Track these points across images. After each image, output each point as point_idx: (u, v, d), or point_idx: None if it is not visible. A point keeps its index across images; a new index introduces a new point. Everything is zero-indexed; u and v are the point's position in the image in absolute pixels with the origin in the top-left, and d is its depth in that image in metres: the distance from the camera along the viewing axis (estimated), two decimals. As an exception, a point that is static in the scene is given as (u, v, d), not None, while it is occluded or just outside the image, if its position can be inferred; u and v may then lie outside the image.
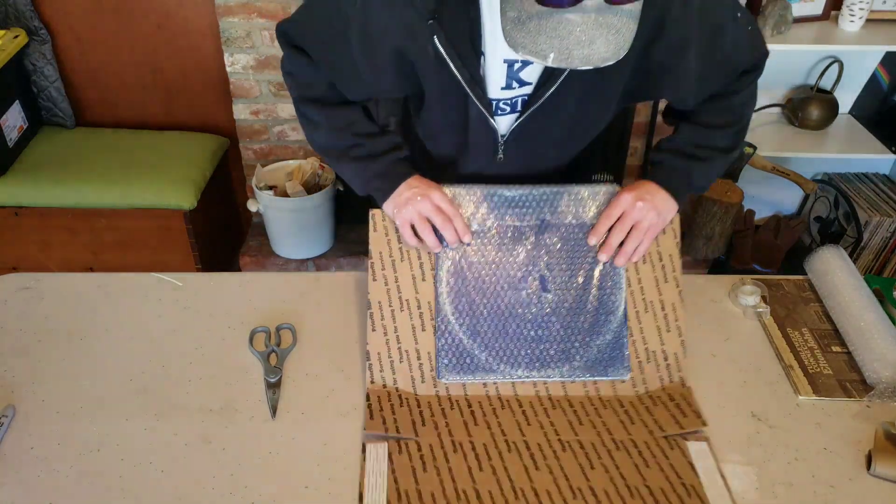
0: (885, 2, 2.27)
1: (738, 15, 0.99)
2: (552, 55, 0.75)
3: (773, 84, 2.49)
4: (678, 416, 0.99)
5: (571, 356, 1.06)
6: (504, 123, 1.04)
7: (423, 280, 1.06)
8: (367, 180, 1.06)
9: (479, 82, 0.96)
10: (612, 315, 1.07)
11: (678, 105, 1.08)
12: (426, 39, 0.91)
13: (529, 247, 1.07)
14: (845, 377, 1.08)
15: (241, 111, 2.30)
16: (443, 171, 1.14)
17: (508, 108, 1.01)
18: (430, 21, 0.88)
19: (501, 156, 1.07)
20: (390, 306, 1.05)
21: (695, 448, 0.96)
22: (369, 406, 1.00)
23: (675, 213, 1.05)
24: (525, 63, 0.95)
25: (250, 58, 2.19)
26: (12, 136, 2.22)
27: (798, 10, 2.25)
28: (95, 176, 2.17)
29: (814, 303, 1.23)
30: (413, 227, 1.03)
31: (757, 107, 2.47)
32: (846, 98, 2.51)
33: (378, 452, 0.95)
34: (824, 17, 2.31)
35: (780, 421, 1.01)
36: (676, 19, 0.91)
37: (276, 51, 2.17)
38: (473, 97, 0.97)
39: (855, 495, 0.91)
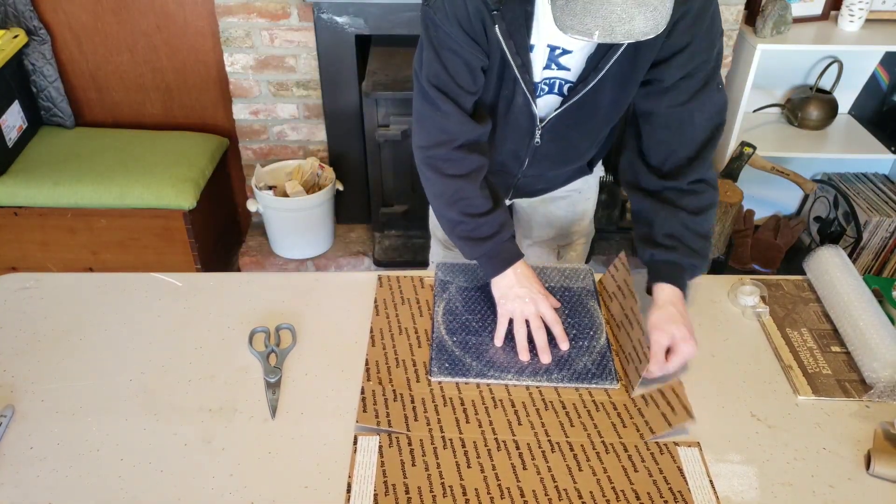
0: (884, 2, 2.27)
1: (720, 80, 1.10)
2: (597, 32, 0.84)
3: (772, 84, 2.49)
4: (667, 413, 0.99)
5: (560, 368, 1.08)
6: (543, 109, 1.14)
7: (420, 347, 1.12)
8: (474, 257, 1.17)
9: (528, 69, 1.07)
10: (595, 341, 1.13)
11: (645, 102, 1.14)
12: (491, 27, 1.03)
13: None
14: (844, 377, 1.08)
15: (240, 111, 2.31)
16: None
17: (547, 89, 1.12)
18: (494, 12, 1.01)
19: (538, 140, 1.18)
20: (386, 363, 1.09)
21: (685, 453, 0.96)
22: (363, 399, 1.01)
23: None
24: (565, 51, 1.06)
25: (250, 58, 2.19)
26: (12, 136, 2.22)
27: (798, 10, 2.25)
28: (95, 176, 2.17)
29: (813, 303, 1.23)
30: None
31: (756, 107, 2.47)
32: (846, 98, 2.51)
33: (369, 445, 0.96)
34: (824, 17, 2.31)
35: (779, 421, 1.01)
36: (693, 52, 1.04)
37: (276, 50, 2.18)
38: (522, 82, 1.08)
39: (854, 495, 0.92)
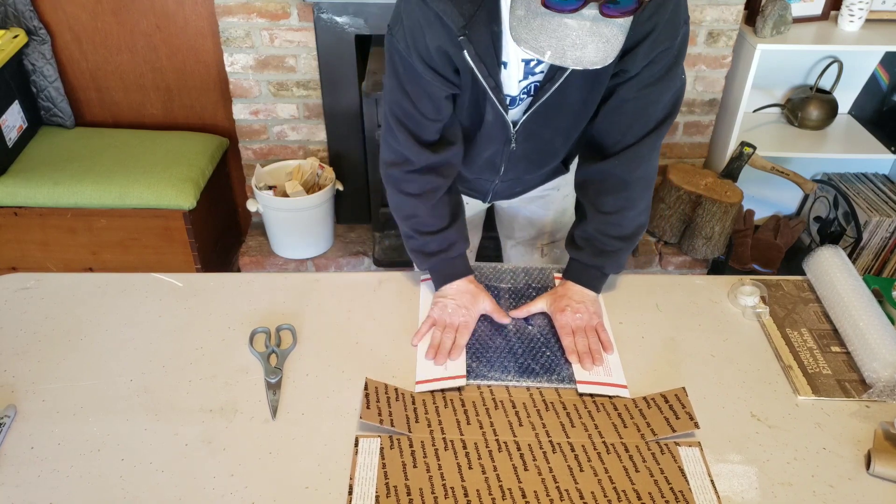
0: (884, 2, 2.27)
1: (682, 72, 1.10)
2: (549, 53, 0.84)
3: (772, 84, 2.49)
4: (671, 419, 0.99)
5: (558, 370, 1.08)
6: (516, 114, 1.14)
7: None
8: (423, 268, 1.22)
9: (500, 87, 1.07)
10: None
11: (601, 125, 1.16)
12: (458, 52, 1.02)
13: (512, 299, 1.22)
14: (844, 377, 1.08)
15: (240, 111, 2.30)
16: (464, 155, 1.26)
17: (526, 96, 1.12)
18: (461, 38, 1.00)
19: (514, 145, 1.18)
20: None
21: (686, 453, 0.96)
22: (367, 395, 1.01)
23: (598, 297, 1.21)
24: (539, 61, 1.06)
25: (250, 58, 2.19)
26: (12, 136, 2.22)
27: (798, 10, 2.25)
28: (95, 176, 2.17)
29: (813, 303, 1.23)
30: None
31: (757, 107, 2.47)
32: (845, 98, 2.51)
33: (370, 447, 0.96)
34: (824, 17, 2.31)
35: (779, 421, 1.01)
36: (655, 40, 1.02)
37: (275, 50, 2.18)
38: (496, 100, 1.08)
39: (854, 495, 0.92)
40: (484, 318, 1.17)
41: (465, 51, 1.01)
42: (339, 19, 2.10)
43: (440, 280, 1.20)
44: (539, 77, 1.08)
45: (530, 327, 1.16)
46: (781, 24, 2.18)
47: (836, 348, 1.14)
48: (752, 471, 0.94)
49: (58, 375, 1.05)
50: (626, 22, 0.84)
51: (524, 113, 1.12)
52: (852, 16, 2.23)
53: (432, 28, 1.00)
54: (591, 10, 0.81)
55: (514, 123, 1.15)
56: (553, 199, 1.45)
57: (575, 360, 1.10)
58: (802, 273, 1.29)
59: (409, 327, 1.16)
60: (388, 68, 1.10)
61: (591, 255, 1.18)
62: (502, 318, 1.17)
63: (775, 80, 2.48)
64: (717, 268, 2.41)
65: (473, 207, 1.47)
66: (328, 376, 1.07)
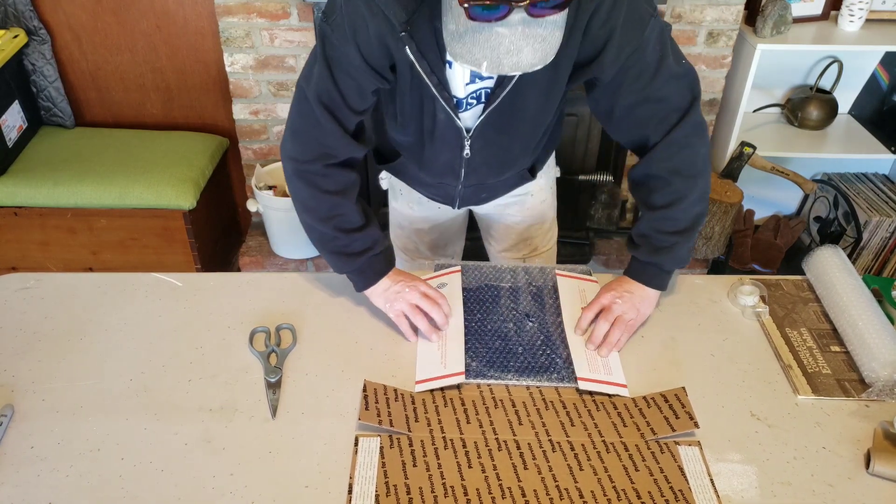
0: (884, 2, 2.28)
1: (677, 58, 1.07)
2: (485, 63, 0.84)
3: (772, 84, 2.49)
4: (671, 418, 0.99)
5: (558, 368, 1.08)
6: (469, 120, 1.13)
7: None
8: (345, 272, 1.17)
9: (445, 86, 1.05)
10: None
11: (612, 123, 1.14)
12: (400, 47, 1.00)
13: (511, 297, 1.21)
14: (844, 377, 1.08)
15: (240, 111, 2.31)
16: (418, 164, 1.25)
17: (475, 102, 1.10)
18: (403, 33, 0.97)
19: (468, 151, 1.17)
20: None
21: (685, 452, 0.96)
22: (365, 397, 1.01)
23: (657, 299, 1.18)
24: None
25: (250, 58, 2.19)
26: (12, 136, 2.23)
27: (798, 10, 2.25)
28: (95, 176, 2.18)
29: (813, 303, 1.23)
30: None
31: (757, 107, 2.48)
32: (846, 98, 2.51)
33: (370, 446, 0.96)
34: (824, 17, 2.32)
35: (778, 420, 1.02)
36: (619, 45, 1.01)
37: (276, 50, 2.18)
38: (441, 100, 1.07)
39: (854, 494, 0.92)
40: (484, 317, 1.17)
41: (406, 47, 0.99)
42: (339, 19, 2.10)
43: (370, 278, 1.15)
44: (489, 83, 1.06)
45: (530, 323, 1.16)
46: (781, 24, 2.18)
47: (835, 348, 1.14)
48: (751, 470, 0.94)
49: (58, 375, 1.06)
50: (559, 18, 0.82)
51: (478, 119, 1.11)
52: (852, 16, 2.23)
53: (376, 19, 0.97)
54: (518, 14, 0.79)
55: (468, 130, 1.13)
56: (528, 205, 1.44)
57: (579, 334, 1.11)
58: (802, 273, 1.29)
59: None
60: (318, 54, 1.04)
61: (647, 252, 1.16)
62: (434, 305, 1.14)
63: (775, 80, 2.48)
64: (717, 267, 2.41)
65: (446, 213, 1.46)
66: (328, 375, 1.07)
